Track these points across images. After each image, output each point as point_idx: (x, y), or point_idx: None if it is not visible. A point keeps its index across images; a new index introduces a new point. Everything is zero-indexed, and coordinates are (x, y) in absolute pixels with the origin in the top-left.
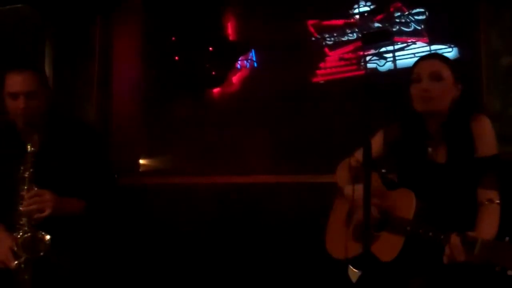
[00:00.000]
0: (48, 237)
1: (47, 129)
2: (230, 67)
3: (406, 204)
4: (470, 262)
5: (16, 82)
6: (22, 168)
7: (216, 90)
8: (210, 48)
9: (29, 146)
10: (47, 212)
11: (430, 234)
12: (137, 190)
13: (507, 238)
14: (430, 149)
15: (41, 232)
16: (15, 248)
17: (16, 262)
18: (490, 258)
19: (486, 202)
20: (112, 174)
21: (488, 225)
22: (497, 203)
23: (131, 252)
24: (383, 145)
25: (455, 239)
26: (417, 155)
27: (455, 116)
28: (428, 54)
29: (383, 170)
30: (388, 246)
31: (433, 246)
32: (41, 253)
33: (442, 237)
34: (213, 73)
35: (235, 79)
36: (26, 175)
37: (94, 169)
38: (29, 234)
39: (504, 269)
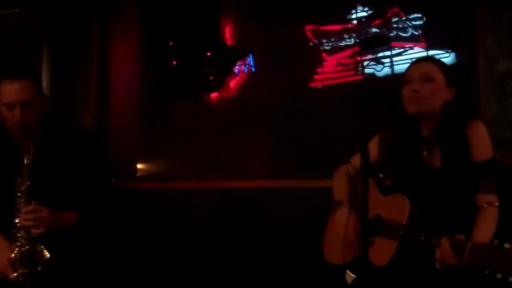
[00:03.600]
0: (47, 252)
1: (43, 136)
2: (228, 71)
3: (399, 209)
4: (461, 266)
5: (12, 91)
6: (19, 180)
7: (214, 94)
8: (208, 53)
9: (25, 159)
10: (41, 230)
11: (422, 238)
12: (135, 194)
13: (496, 241)
14: (425, 153)
15: (40, 245)
16: (13, 261)
17: (14, 274)
18: (480, 261)
19: (485, 205)
20: (110, 180)
21: (485, 228)
22: (496, 205)
23: (129, 257)
24: (379, 149)
25: (445, 242)
26: (412, 159)
27: (448, 120)
28: (421, 57)
29: (380, 175)
30: (382, 251)
31: (426, 250)
32: (39, 268)
33: (433, 241)
34: (211, 77)
35: (233, 83)
36: (23, 188)
37: (92, 176)
38: (27, 247)
39: (494, 273)
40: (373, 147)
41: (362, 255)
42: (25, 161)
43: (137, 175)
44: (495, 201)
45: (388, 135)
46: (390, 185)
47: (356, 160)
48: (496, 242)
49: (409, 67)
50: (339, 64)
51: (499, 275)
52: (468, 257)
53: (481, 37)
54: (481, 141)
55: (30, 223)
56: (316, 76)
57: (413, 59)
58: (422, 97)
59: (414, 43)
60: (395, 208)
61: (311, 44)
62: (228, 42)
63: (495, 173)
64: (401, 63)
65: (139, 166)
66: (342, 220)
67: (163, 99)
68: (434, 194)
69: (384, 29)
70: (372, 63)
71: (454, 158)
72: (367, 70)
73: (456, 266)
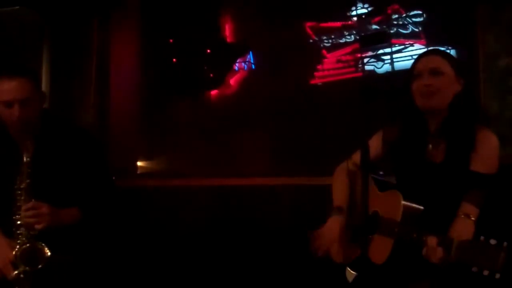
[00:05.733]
0: (48, 250)
1: (42, 133)
2: (228, 69)
3: (394, 206)
4: (448, 263)
5: (9, 89)
6: (18, 178)
7: (214, 92)
8: (208, 50)
9: (25, 157)
10: (42, 225)
11: (414, 235)
12: (135, 192)
13: (482, 238)
14: (430, 146)
15: (40, 243)
16: (14, 259)
17: (15, 272)
18: (466, 258)
19: (462, 216)
20: (110, 179)
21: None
22: (473, 220)
23: (130, 255)
24: (381, 145)
25: (431, 240)
26: (415, 154)
27: (456, 113)
28: (429, 50)
29: (381, 172)
30: (379, 249)
31: (421, 248)
32: (40, 265)
33: (424, 238)
34: (211, 75)
35: (233, 81)
36: (22, 186)
37: (91, 173)
38: (28, 245)
39: (481, 269)
40: (375, 143)
41: (362, 253)
42: (25, 159)
43: (138, 172)
44: (473, 216)
45: (392, 130)
46: (394, 182)
47: (356, 157)
48: (482, 238)
49: (417, 60)
50: (339, 61)
51: (486, 272)
52: (455, 255)
53: (482, 33)
54: (489, 154)
55: (31, 219)
56: (316, 73)
57: (414, 56)
58: (435, 91)
59: (414, 40)
60: (391, 205)
61: (311, 41)
62: (228, 39)
63: (488, 189)
64: (401, 60)
65: (139, 163)
66: (341, 222)
67: (163, 97)
68: (434, 189)
69: (384, 26)
70: (372, 60)
71: (457, 154)
72: (367, 67)
73: (444, 264)
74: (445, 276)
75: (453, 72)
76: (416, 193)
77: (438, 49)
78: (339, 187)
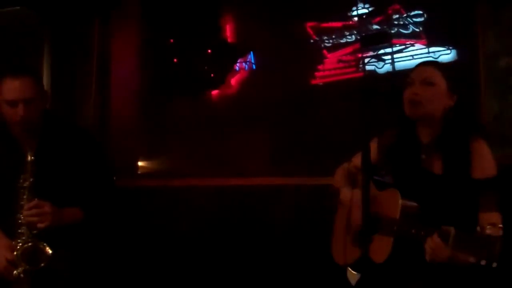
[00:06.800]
0: (49, 249)
1: (43, 133)
2: (228, 69)
3: (392, 204)
4: (449, 259)
5: (14, 88)
6: (22, 177)
7: (214, 92)
8: (209, 50)
9: (29, 155)
10: (44, 224)
11: (413, 231)
12: (136, 192)
13: (478, 228)
14: (423, 156)
15: (42, 243)
16: (15, 258)
17: (15, 272)
18: (464, 249)
19: (489, 226)
20: (110, 179)
21: None
22: (500, 227)
23: (130, 254)
24: (377, 152)
25: (430, 233)
26: (411, 162)
27: (451, 126)
28: (425, 61)
29: (382, 172)
30: (379, 248)
31: (421, 245)
32: (42, 264)
33: (422, 233)
34: (212, 75)
35: (234, 81)
36: (26, 185)
37: (91, 174)
38: (30, 244)
39: (478, 260)
40: (372, 149)
41: (363, 253)
42: (29, 158)
43: (138, 172)
44: (498, 222)
45: (388, 135)
46: (391, 181)
47: (357, 159)
48: (478, 229)
49: (412, 69)
50: (340, 61)
51: (483, 262)
52: (452, 246)
53: (482, 33)
54: (485, 159)
55: (34, 218)
56: (317, 73)
57: (414, 56)
58: (421, 101)
59: (415, 40)
60: (389, 203)
61: (311, 41)
62: (229, 39)
63: (497, 191)
64: (402, 60)
65: (139, 163)
66: (344, 214)
67: (164, 97)
68: (435, 200)
69: (385, 26)
70: (373, 60)
71: (456, 167)
72: (368, 67)
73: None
74: (444, 275)
75: (445, 85)
76: (415, 200)
77: (435, 61)
78: (340, 178)
